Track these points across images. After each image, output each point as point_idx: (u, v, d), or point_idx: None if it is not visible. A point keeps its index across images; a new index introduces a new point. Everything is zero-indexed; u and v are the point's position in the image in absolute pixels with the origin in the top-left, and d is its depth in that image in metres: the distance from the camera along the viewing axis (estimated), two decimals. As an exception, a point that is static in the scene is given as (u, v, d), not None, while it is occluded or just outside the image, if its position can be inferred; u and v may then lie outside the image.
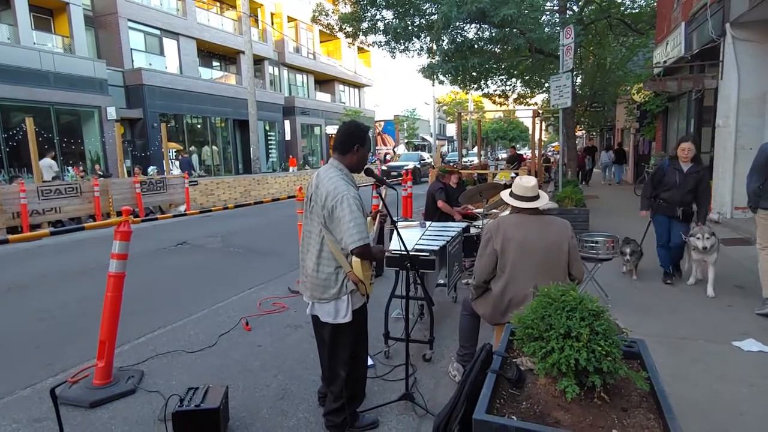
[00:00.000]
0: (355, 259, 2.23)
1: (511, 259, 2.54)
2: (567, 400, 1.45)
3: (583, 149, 18.71)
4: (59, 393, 2.69)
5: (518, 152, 16.25)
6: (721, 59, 7.62)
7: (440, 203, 5.50)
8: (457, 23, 9.25)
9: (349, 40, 12.24)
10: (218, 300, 4.82)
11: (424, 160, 24.89)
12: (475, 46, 10.31)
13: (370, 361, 3.00)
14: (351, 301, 2.31)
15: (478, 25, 10.21)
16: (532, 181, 2.68)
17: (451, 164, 19.27)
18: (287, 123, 26.75)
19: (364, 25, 10.89)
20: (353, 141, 2.35)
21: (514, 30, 9.36)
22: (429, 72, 11.11)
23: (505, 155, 27.14)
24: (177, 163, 18.99)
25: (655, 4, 12.52)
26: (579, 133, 25.20)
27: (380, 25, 10.81)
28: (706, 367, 3.06)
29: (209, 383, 2.69)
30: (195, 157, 20.66)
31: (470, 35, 10.45)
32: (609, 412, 1.43)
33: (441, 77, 11.33)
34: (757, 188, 3.79)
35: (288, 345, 3.69)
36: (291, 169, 22.98)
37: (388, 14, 10.63)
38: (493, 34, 9.84)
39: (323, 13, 11.91)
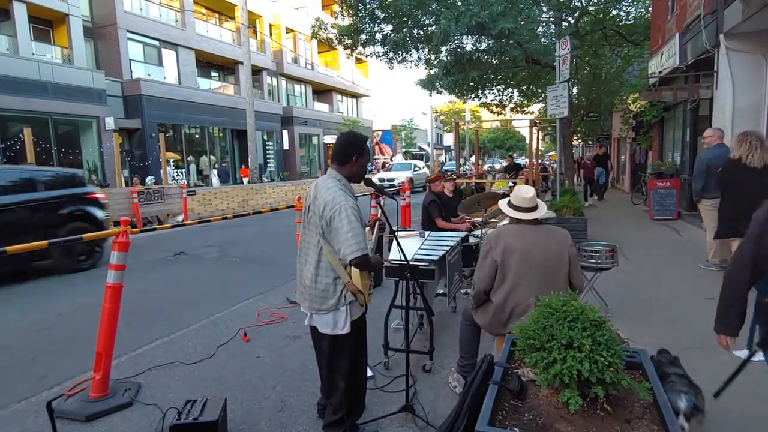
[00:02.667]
0: (353, 270, 2.23)
1: (512, 270, 2.53)
2: (570, 412, 1.44)
3: (593, 158, 14.74)
4: (55, 406, 2.65)
5: (516, 161, 16.28)
6: (715, 69, 7.70)
7: (438, 222, 5.23)
8: (456, 36, 9.33)
9: (348, 51, 12.34)
10: (216, 310, 4.79)
11: (420, 169, 24.14)
12: (474, 57, 10.40)
13: (369, 372, 2.97)
14: (350, 312, 2.30)
15: (476, 37, 10.31)
16: (530, 191, 2.67)
17: (449, 173, 19.30)
18: (285, 133, 26.84)
19: (363, 37, 10.98)
20: (352, 151, 2.36)
21: (511, 41, 9.46)
22: (428, 84, 11.21)
23: (488, 166, 26.81)
24: (215, 172, 19.91)
25: (650, 15, 12.69)
26: (575, 143, 25.30)
27: (378, 36, 10.91)
28: (708, 377, 3.04)
29: (207, 395, 2.66)
30: (193, 167, 20.82)
31: (468, 47, 10.55)
32: (612, 424, 1.42)
33: (440, 89, 11.43)
34: (701, 187, 5.41)
35: (287, 356, 3.66)
36: (244, 180, 20.02)
37: (387, 27, 10.73)
38: (491, 45, 9.93)
39: (322, 28, 12.01)
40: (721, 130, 5.82)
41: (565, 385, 1.45)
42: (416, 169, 24.07)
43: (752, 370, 3.09)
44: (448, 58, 10.42)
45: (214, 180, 19.89)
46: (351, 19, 11.11)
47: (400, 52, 11.04)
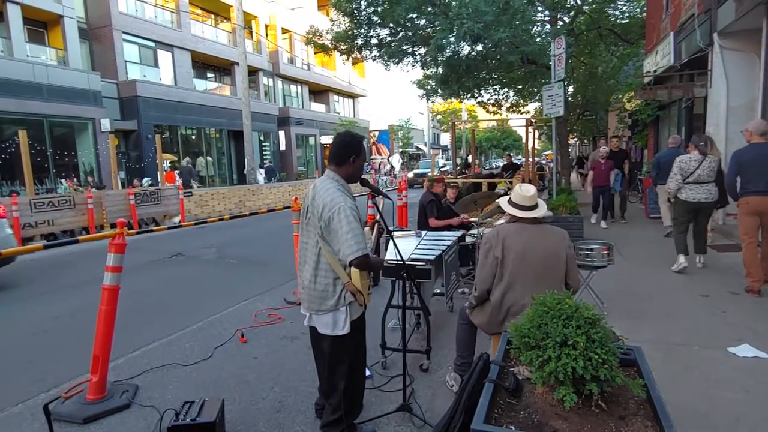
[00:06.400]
0: (353, 270, 2.23)
1: (509, 268, 2.53)
2: (565, 409, 1.45)
3: (606, 156, 9.10)
4: (52, 409, 2.66)
5: (513, 161, 16.25)
6: (709, 68, 7.75)
7: (432, 221, 5.23)
8: (452, 45, 9.35)
9: (344, 57, 12.32)
10: (213, 312, 4.79)
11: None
12: (470, 64, 10.42)
13: (367, 372, 2.98)
14: (349, 312, 2.30)
15: (471, 45, 10.34)
16: (531, 190, 2.65)
17: (446, 173, 19.28)
18: (282, 133, 26.81)
19: (358, 41, 10.98)
20: (349, 152, 2.36)
21: (507, 41, 9.47)
22: (426, 95, 11.30)
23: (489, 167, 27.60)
24: (262, 171, 21.35)
25: (644, 14, 12.74)
26: (571, 141, 25.33)
27: (374, 41, 10.91)
28: (702, 373, 3.07)
29: (205, 397, 2.67)
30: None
31: (465, 51, 10.58)
32: (607, 420, 1.43)
33: (441, 96, 11.55)
34: (656, 175, 7.17)
35: (284, 357, 3.66)
36: (166, 185, 17.23)
37: (383, 32, 10.73)
38: (487, 51, 9.96)
39: (316, 35, 11.97)
40: (679, 137, 7.80)
41: (560, 383, 1.46)
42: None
43: (745, 367, 3.12)
44: (444, 69, 10.47)
45: (260, 178, 20.80)
46: (347, 25, 11.10)
47: (396, 56, 11.06)
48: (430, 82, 11.66)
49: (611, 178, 8.95)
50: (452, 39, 8.46)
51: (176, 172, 16.49)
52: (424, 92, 11.62)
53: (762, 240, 4.78)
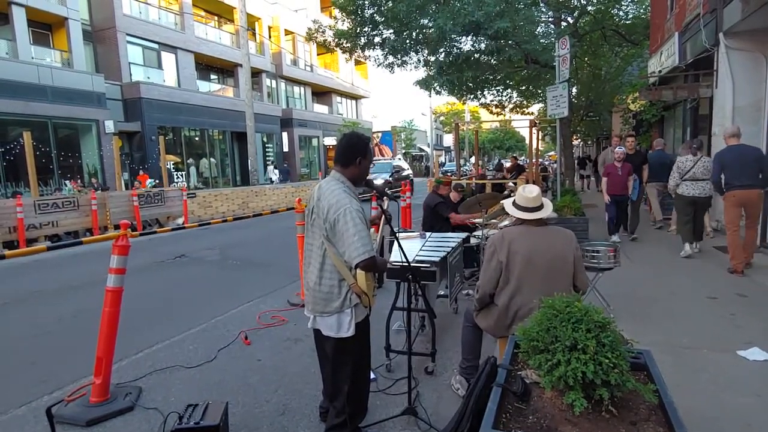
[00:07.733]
0: (358, 271, 2.21)
1: (516, 272, 2.50)
2: (575, 414, 1.43)
3: (623, 158, 7.24)
4: (55, 411, 2.65)
5: (519, 162, 16.08)
6: (715, 68, 7.70)
7: (453, 216, 5.30)
8: (452, 35, 9.32)
9: (346, 55, 12.31)
10: (217, 314, 4.78)
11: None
12: (471, 57, 10.40)
13: (372, 375, 2.96)
14: (354, 314, 2.28)
15: (473, 38, 10.31)
16: (535, 191, 2.60)
17: (449, 174, 19.18)
18: (285, 135, 26.86)
19: (362, 40, 10.97)
20: (355, 153, 2.34)
21: (510, 41, 9.45)
22: (425, 84, 11.22)
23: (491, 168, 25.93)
24: (277, 171, 22.69)
25: (649, 15, 12.68)
26: (575, 142, 25.25)
27: (377, 40, 10.90)
28: (712, 377, 3.03)
29: (208, 399, 2.65)
30: (193, 170, 20.88)
31: (466, 47, 10.54)
32: (618, 426, 1.41)
33: (438, 88, 11.44)
34: (649, 175, 7.91)
35: (288, 359, 3.65)
36: (142, 184, 15.09)
37: (386, 31, 10.71)
38: (489, 45, 9.93)
39: (319, 31, 11.96)
40: (662, 140, 9.11)
41: (569, 387, 1.44)
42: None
43: (755, 371, 3.08)
44: (444, 57, 10.41)
45: (274, 177, 22.65)
46: (350, 23, 11.10)
47: (399, 56, 11.03)
48: (429, 68, 11.47)
49: (630, 186, 7.24)
50: (454, 25, 8.41)
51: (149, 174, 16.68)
52: (424, 80, 11.39)
53: (746, 227, 5.38)
